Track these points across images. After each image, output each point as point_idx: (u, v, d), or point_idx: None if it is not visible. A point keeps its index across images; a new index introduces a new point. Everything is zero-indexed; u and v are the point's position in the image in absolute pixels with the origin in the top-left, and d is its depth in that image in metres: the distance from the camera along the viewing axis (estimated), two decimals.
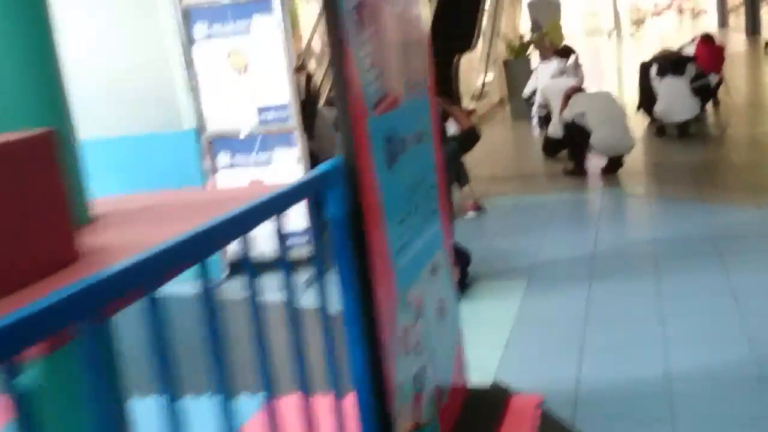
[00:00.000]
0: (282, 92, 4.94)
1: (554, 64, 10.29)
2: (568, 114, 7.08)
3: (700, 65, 9.20)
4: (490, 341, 3.69)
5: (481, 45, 13.98)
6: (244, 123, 5.04)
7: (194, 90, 5.02)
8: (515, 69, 11.80)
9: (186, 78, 5.03)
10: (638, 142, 8.27)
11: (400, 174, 2.38)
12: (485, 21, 14.37)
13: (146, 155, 5.17)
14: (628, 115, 7.11)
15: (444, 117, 4.34)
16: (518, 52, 12.11)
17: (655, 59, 8.65)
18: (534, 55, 12.33)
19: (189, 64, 4.99)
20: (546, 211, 6.05)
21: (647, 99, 8.52)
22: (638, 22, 31.65)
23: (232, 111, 5.03)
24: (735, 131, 8.49)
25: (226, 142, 5.11)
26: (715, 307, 3.72)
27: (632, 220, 5.60)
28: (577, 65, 10.16)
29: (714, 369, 3.10)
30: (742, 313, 3.58)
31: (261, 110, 5.01)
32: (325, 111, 7.44)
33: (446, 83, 12.61)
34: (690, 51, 10.26)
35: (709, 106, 9.62)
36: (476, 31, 13.45)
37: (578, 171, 7.13)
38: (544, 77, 10.29)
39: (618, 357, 3.36)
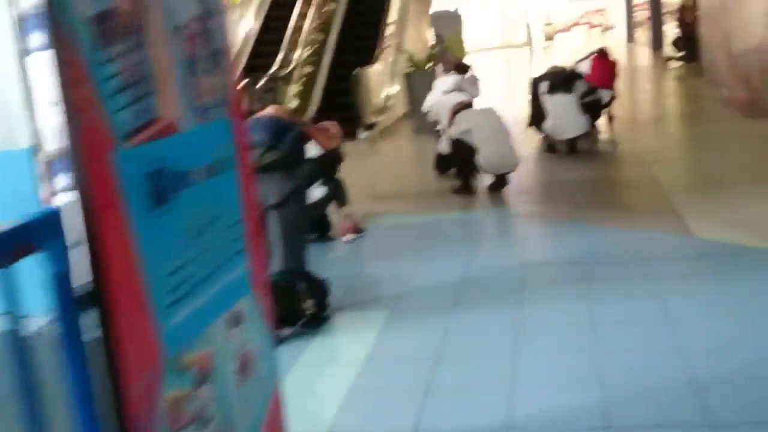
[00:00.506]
0: None
1: (451, 78, 10.15)
2: (454, 131, 6.88)
3: (592, 81, 9.19)
4: (334, 385, 3.38)
5: (388, 58, 13.83)
6: None
7: (29, 104, 4.55)
8: (417, 82, 11.62)
9: (21, 91, 4.56)
10: (529, 158, 8.18)
11: (174, 215, 2.03)
12: (390, 33, 14.22)
13: None
14: (511, 133, 6.94)
15: (304, 138, 4.02)
16: (420, 64, 11.95)
17: (544, 76, 8.56)
18: (438, 68, 12.21)
19: (23, 76, 4.52)
20: (426, 232, 5.80)
21: (537, 115, 8.42)
22: (550, 37, 32.19)
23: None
24: (626, 147, 8.48)
25: (67, 162, 4.64)
26: (570, 341, 3.51)
27: (507, 242, 5.37)
28: (473, 81, 10.03)
29: (557, 416, 2.86)
30: (595, 351, 3.37)
31: None
32: None
33: (345, 96, 12.41)
34: (585, 66, 10.28)
35: (604, 122, 9.63)
36: (378, 43, 13.27)
37: (466, 189, 6.92)
38: (439, 92, 10.13)
39: (462, 399, 3.10)
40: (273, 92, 12.68)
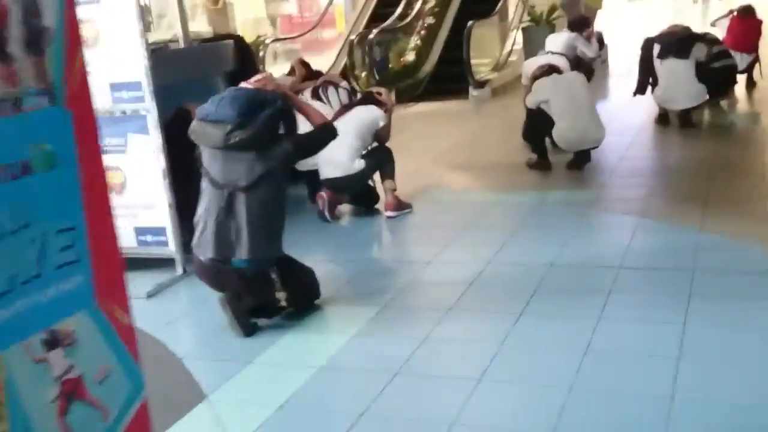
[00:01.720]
0: (135, 68, 4.30)
1: (562, 36, 9.27)
2: (531, 100, 6.18)
3: (727, 43, 8.06)
4: (270, 395, 3.02)
5: (510, 9, 12.98)
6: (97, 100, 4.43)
7: None
8: (534, 37, 10.76)
9: None
10: (632, 130, 7.31)
11: None
12: None
13: None
14: (594, 106, 6.13)
15: (287, 115, 3.60)
16: (537, 18, 11.05)
17: (659, 37, 7.54)
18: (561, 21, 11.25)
19: None
20: (475, 214, 5.24)
21: (645, 81, 7.46)
22: None
23: None
24: (766, 123, 7.33)
25: None
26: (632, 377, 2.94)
27: (558, 236, 4.62)
28: (589, 40, 9.10)
29: None
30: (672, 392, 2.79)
31: (114, 87, 4.39)
32: None
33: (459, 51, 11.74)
34: (723, 26, 9.06)
35: (741, 90, 8.47)
36: None
37: (542, 164, 6.24)
38: (547, 51, 9.30)
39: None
40: (386, 45, 12.23)
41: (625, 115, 8.09)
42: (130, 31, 4.27)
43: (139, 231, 4.60)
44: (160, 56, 5.69)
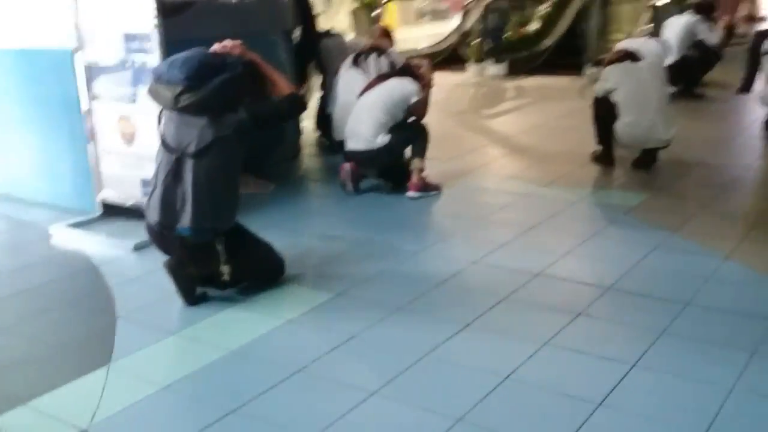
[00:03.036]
0: (146, 20, 4.25)
1: (682, 19, 8.47)
2: (599, 87, 5.61)
3: None
4: (156, 376, 2.92)
5: None
6: (110, 50, 4.45)
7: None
8: (662, 17, 9.84)
9: None
10: (731, 133, 6.54)
11: None
12: None
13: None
14: (664, 101, 5.48)
15: (245, 82, 3.41)
16: None
17: None
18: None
19: None
20: (494, 206, 4.85)
21: (751, 78, 6.61)
22: None
23: (97, 35, 4.47)
24: None
25: (98, 68, 4.57)
26: None
27: (553, 243, 4.19)
28: (706, 26, 8.23)
29: None
30: None
31: (127, 37, 4.38)
32: (329, 42, 6.62)
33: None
34: None
35: None
36: None
37: (605, 158, 5.69)
38: (667, 34, 8.54)
39: None
40: (504, 12, 11.64)
41: (730, 116, 7.26)
42: None
43: (145, 182, 4.61)
44: (206, 8, 5.67)
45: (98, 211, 4.80)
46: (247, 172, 5.34)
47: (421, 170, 5.09)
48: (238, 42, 3.52)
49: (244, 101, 3.40)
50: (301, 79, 6.77)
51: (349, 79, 5.68)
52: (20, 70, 5.00)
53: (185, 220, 3.35)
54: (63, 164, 4.97)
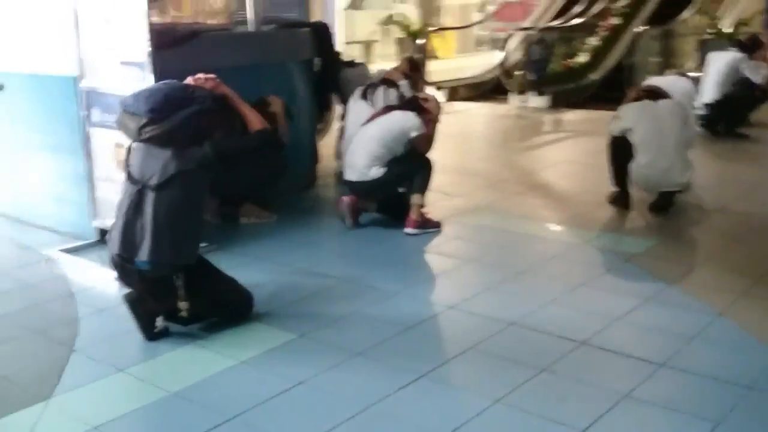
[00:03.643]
0: (140, 48, 4.27)
1: (725, 55, 8.14)
2: (615, 126, 5.38)
3: None
4: (91, 415, 2.85)
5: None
6: (109, 77, 4.48)
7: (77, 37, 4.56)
8: (709, 50, 9.49)
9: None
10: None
11: None
12: None
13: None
14: (685, 144, 5.21)
15: (216, 117, 3.36)
16: (718, 30, 9.75)
17: None
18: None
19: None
20: (490, 246, 4.68)
21: None
22: None
23: (98, 63, 4.51)
24: None
25: (97, 95, 4.61)
26: None
27: (538, 289, 3.94)
28: (751, 63, 7.87)
29: None
30: None
31: (124, 64, 4.40)
32: (349, 72, 6.56)
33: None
34: None
35: None
36: None
37: (620, 200, 5.45)
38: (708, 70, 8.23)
39: None
40: (549, 44, 11.41)
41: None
42: (136, 9, 4.24)
43: None
44: (224, 38, 5.70)
45: (96, 237, 4.83)
46: (251, 201, 5.37)
47: (421, 206, 4.95)
48: (211, 75, 3.48)
49: (213, 135, 3.35)
50: (321, 108, 6.74)
51: (357, 110, 5.61)
52: (28, 93, 5.09)
53: (143, 253, 3.30)
54: (65, 189, 5.02)
